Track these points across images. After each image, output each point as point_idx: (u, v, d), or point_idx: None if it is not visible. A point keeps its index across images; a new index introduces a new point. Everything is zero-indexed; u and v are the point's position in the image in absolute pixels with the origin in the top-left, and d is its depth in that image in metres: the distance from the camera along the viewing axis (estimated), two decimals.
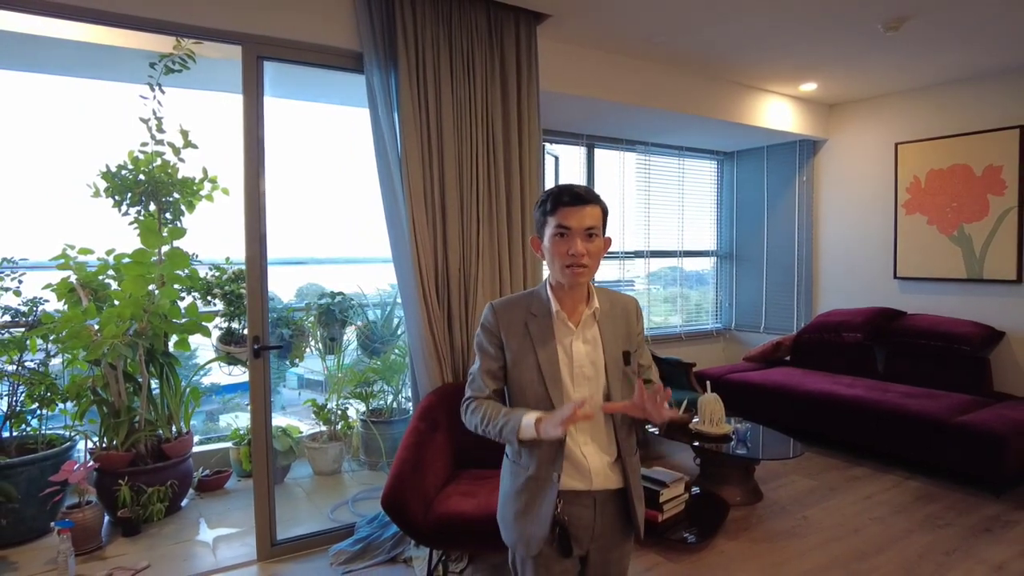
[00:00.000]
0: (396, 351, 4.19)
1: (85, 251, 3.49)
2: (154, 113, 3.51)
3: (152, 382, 3.56)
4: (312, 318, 4.11)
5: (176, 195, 3.68)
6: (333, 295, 4.13)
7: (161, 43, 3.12)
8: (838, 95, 5.01)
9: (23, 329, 3.28)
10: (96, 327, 3.25)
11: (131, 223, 3.57)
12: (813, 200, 5.46)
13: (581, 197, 1.47)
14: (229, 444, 3.98)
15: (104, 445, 3.38)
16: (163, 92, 3.48)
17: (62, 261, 3.41)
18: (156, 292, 3.48)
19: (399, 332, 4.16)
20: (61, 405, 3.33)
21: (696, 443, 3.47)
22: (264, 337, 2.82)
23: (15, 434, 3.28)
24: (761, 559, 2.87)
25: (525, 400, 1.52)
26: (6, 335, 3.23)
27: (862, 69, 4.29)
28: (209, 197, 3.79)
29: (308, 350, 4.14)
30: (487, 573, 2.76)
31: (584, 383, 1.51)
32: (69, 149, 3.80)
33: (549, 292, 1.55)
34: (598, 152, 5.15)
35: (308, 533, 3.04)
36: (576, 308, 1.55)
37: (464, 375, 2.91)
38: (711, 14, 3.32)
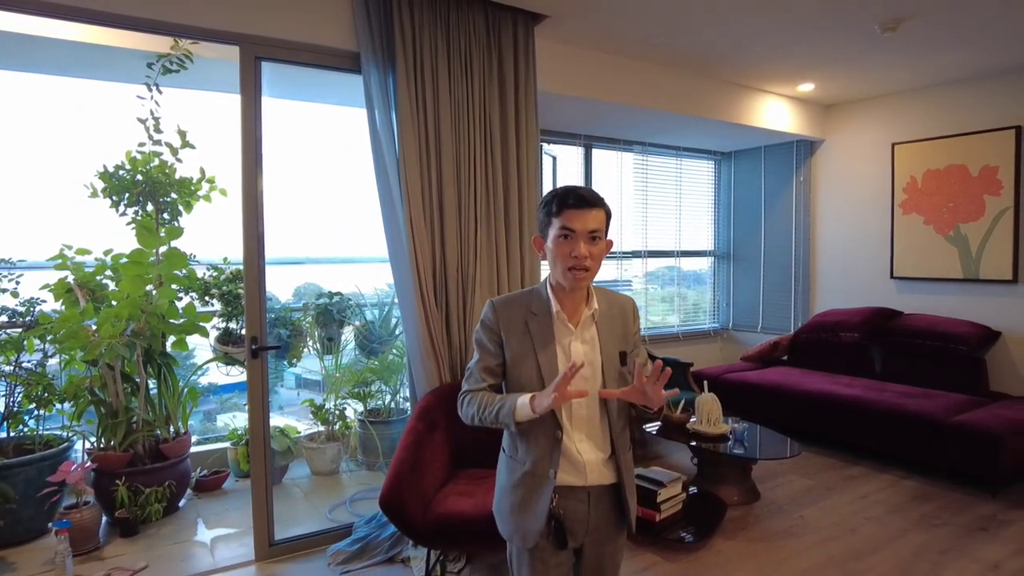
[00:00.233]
0: (394, 351, 4.19)
1: (83, 251, 3.48)
2: (151, 113, 3.51)
3: (150, 382, 3.56)
4: (310, 318, 4.11)
5: (174, 195, 3.67)
6: (331, 295, 4.12)
7: (158, 43, 3.11)
8: (835, 95, 5.02)
9: (20, 329, 3.28)
10: (94, 327, 3.25)
11: (128, 223, 3.57)
12: (810, 200, 5.47)
13: (586, 200, 1.48)
14: (227, 444, 3.99)
15: (102, 445, 3.38)
16: (160, 92, 3.47)
17: (59, 261, 3.41)
18: (154, 292, 3.48)
19: (397, 332, 4.16)
20: (58, 405, 3.33)
21: (693, 443, 3.47)
22: (262, 337, 2.82)
23: (12, 435, 3.28)
24: (758, 558, 2.88)
25: None
26: (3, 335, 3.23)
27: (859, 70, 4.30)
28: (207, 197, 3.79)
29: (306, 350, 4.13)
30: (485, 573, 2.76)
31: (581, 383, 1.52)
32: (66, 149, 3.79)
33: (549, 292, 1.57)
34: (596, 152, 5.15)
35: (306, 533, 3.04)
36: (576, 309, 1.56)
37: (462, 375, 2.91)
38: (709, 15, 3.33)
